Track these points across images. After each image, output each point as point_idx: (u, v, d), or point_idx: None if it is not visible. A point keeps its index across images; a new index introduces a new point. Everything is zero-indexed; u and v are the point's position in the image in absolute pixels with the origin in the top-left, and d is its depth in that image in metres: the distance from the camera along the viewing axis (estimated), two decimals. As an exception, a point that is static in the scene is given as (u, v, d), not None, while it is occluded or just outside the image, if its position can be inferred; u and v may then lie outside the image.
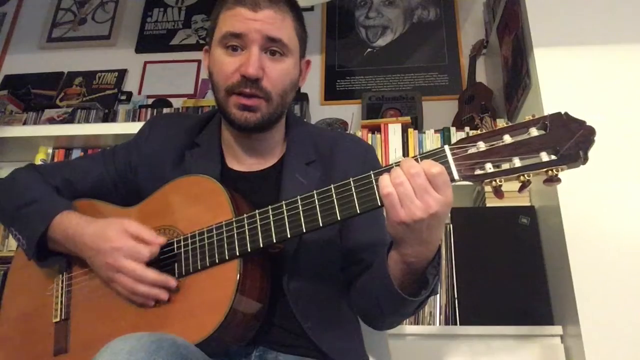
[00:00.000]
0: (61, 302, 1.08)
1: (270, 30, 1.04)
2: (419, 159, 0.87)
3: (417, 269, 0.92)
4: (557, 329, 1.69)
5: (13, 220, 1.12)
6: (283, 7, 1.07)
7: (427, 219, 0.83)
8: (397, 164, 0.88)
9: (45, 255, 1.09)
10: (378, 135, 2.27)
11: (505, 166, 0.83)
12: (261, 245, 0.94)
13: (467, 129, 2.24)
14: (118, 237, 0.99)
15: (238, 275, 0.93)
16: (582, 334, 1.55)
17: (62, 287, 1.09)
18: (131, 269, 0.96)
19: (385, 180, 0.85)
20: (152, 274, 0.96)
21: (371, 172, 0.89)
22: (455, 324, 1.78)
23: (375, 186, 0.88)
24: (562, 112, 0.83)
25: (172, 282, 0.96)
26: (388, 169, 0.88)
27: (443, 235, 1.84)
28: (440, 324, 1.81)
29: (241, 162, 1.16)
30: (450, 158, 0.85)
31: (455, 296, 1.81)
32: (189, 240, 1.00)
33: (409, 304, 0.96)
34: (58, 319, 1.07)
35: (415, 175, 0.83)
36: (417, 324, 1.82)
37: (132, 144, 1.23)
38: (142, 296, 0.97)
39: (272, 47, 1.05)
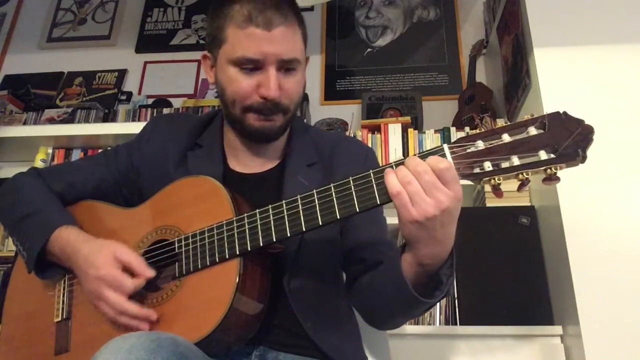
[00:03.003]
0: (63, 301, 1.08)
1: (287, 53, 1.04)
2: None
3: (432, 271, 0.91)
4: (557, 329, 1.69)
5: (14, 231, 1.13)
6: (291, 17, 1.06)
7: (440, 215, 0.83)
8: (397, 162, 0.88)
9: (45, 267, 1.09)
10: (378, 135, 2.28)
11: (504, 165, 0.83)
12: (261, 244, 0.94)
13: (467, 129, 2.23)
14: (105, 265, 0.98)
15: (238, 275, 0.93)
16: (582, 334, 1.55)
17: (63, 287, 1.09)
18: (112, 300, 0.96)
19: (393, 180, 0.84)
20: (133, 308, 0.95)
21: (370, 171, 0.89)
22: (455, 324, 1.78)
23: (374, 185, 0.88)
24: (561, 112, 0.83)
25: (153, 316, 0.96)
26: (387, 168, 0.88)
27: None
28: (440, 324, 1.81)
29: (243, 164, 1.17)
30: (449, 157, 0.85)
31: (455, 296, 1.81)
32: (190, 240, 1.00)
33: (422, 306, 0.95)
34: (59, 319, 1.07)
35: (422, 173, 0.82)
36: (417, 324, 1.82)
37: (133, 144, 1.23)
38: (123, 326, 0.96)
39: (287, 66, 1.06)
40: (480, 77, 2.62)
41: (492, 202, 1.97)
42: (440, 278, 0.92)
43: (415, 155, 0.87)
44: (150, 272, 0.98)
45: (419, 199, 0.83)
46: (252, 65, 1.04)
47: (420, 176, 0.83)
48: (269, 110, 1.06)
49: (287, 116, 1.10)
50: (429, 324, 1.82)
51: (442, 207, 0.82)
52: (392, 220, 1.22)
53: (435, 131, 2.28)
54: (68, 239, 1.05)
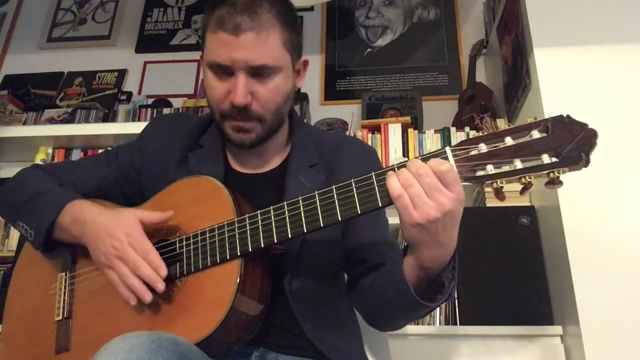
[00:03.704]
0: (63, 300, 1.08)
1: (254, 60, 1.01)
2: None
3: (434, 274, 0.91)
4: (557, 329, 1.69)
5: (19, 213, 1.11)
6: (266, 22, 1.02)
7: (442, 218, 0.83)
8: (399, 164, 0.88)
9: (52, 246, 1.08)
10: (378, 135, 2.28)
11: (507, 168, 0.83)
12: (262, 245, 0.94)
13: (467, 129, 2.24)
14: (132, 224, 0.99)
15: (238, 275, 0.93)
16: (582, 334, 1.55)
17: (64, 286, 1.09)
18: (131, 259, 0.96)
19: (394, 183, 0.84)
20: (147, 269, 0.95)
21: (372, 172, 0.89)
22: (455, 324, 1.78)
23: (376, 187, 0.88)
24: (564, 115, 0.83)
25: (160, 285, 0.95)
26: (389, 170, 0.88)
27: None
28: (440, 324, 1.81)
29: (244, 164, 1.17)
30: (451, 159, 0.85)
31: (455, 296, 1.81)
32: (191, 240, 1.00)
33: (424, 309, 0.94)
34: (60, 318, 1.07)
35: (424, 175, 0.82)
36: (418, 324, 1.81)
37: (135, 144, 1.23)
38: (129, 288, 0.96)
39: (258, 72, 1.04)
40: (480, 77, 2.62)
41: (492, 202, 1.97)
42: (442, 281, 0.92)
43: (417, 157, 0.87)
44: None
45: (420, 201, 0.82)
46: (222, 71, 1.04)
47: (421, 178, 0.82)
48: (239, 116, 1.05)
49: (265, 126, 1.07)
50: (429, 324, 1.82)
51: (444, 209, 0.82)
52: (393, 220, 1.23)
53: (435, 131, 2.28)
54: (82, 208, 1.05)
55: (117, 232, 0.98)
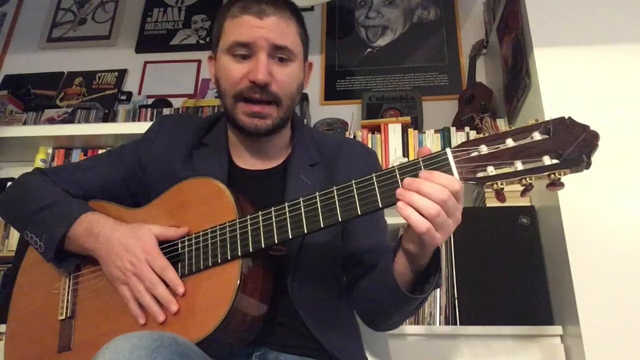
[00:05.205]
0: (67, 300, 1.08)
1: (277, 39, 1.06)
2: (421, 164, 0.87)
3: (424, 265, 0.95)
4: (557, 329, 1.69)
5: (28, 224, 1.10)
6: (286, 13, 1.10)
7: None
8: (400, 167, 0.88)
9: (62, 257, 1.08)
10: (378, 135, 2.27)
11: (507, 169, 0.83)
12: (263, 246, 0.95)
13: (467, 129, 2.24)
14: (149, 241, 1.00)
15: (239, 275, 0.93)
16: (582, 334, 1.55)
17: (68, 286, 1.10)
18: (147, 277, 0.97)
19: (418, 219, 0.83)
20: (162, 289, 0.96)
21: (373, 174, 0.90)
22: (455, 324, 1.78)
23: (376, 188, 0.88)
24: (566, 117, 0.83)
25: (174, 306, 0.96)
26: (389, 172, 0.88)
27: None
28: (440, 324, 1.81)
29: (247, 162, 1.18)
30: (452, 161, 0.86)
31: (455, 296, 1.81)
32: (193, 241, 1.00)
33: (415, 301, 0.98)
34: (63, 317, 1.07)
35: (448, 200, 0.83)
36: (417, 324, 1.82)
37: (140, 143, 1.23)
38: (142, 307, 0.97)
39: (279, 54, 1.08)
40: (480, 77, 2.62)
41: (492, 202, 1.97)
42: (428, 272, 0.96)
43: (417, 161, 0.87)
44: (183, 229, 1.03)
45: (444, 225, 0.85)
46: (243, 51, 1.07)
47: (445, 204, 0.83)
48: (257, 95, 1.06)
49: (281, 112, 1.09)
50: (429, 324, 1.82)
51: (458, 221, 0.87)
52: (392, 220, 1.23)
53: (435, 131, 2.28)
54: (97, 221, 1.05)
55: (135, 249, 0.99)
